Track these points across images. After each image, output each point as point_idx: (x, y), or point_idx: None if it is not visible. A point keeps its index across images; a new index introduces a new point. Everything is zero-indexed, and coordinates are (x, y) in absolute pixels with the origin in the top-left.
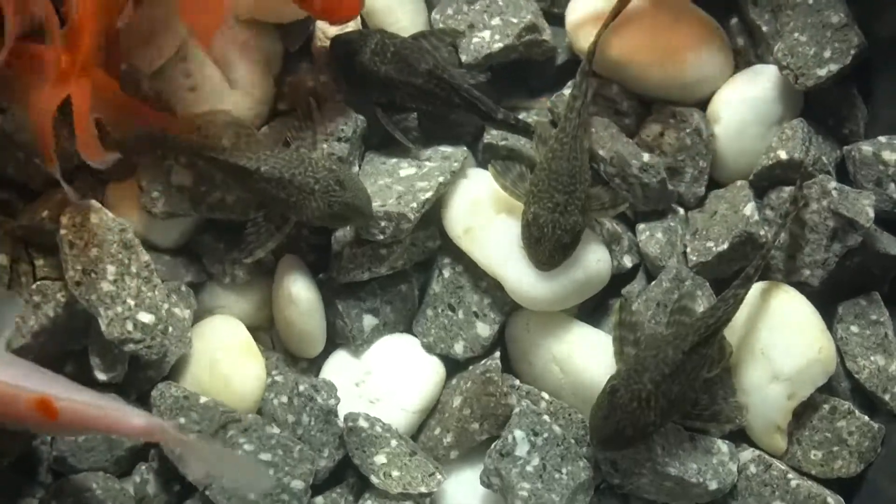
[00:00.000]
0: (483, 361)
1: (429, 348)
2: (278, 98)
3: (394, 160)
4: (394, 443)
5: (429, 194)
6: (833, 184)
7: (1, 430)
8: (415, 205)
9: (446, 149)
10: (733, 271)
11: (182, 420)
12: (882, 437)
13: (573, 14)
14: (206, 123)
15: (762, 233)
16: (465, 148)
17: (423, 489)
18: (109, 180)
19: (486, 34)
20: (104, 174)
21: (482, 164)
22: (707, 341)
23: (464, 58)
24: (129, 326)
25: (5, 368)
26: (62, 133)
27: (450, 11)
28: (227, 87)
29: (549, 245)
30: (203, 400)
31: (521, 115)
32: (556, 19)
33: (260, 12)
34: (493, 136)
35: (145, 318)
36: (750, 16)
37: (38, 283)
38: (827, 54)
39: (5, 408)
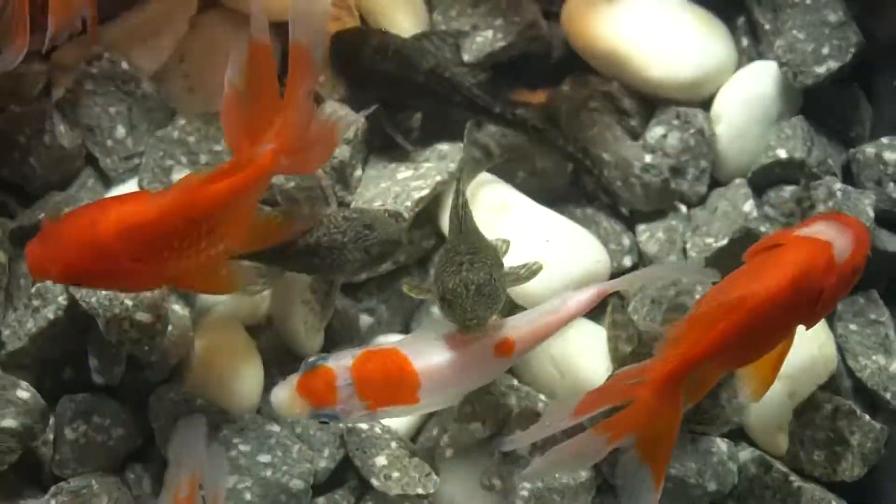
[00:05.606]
0: None
1: None
2: None
3: (393, 164)
4: (394, 444)
5: (424, 192)
6: (838, 185)
7: None
8: (409, 203)
9: (443, 147)
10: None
11: None
12: (885, 438)
13: (568, 10)
14: None
15: (762, 229)
16: (461, 145)
17: (420, 490)
18: (112, 181)
19: (489, 33)
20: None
21: None
22: None
23: (466, 57)
24: (126, 326)
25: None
26: None
27: (453, 13)
28: (224, 88)
29: (469, 302)
30: (199, 402)
31: (519, 111)
32: (553, 17)
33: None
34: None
35: (143, 317)
36: (754, 14)
37: (38, 285)
38: (825, 51)
39: (480, 366)
